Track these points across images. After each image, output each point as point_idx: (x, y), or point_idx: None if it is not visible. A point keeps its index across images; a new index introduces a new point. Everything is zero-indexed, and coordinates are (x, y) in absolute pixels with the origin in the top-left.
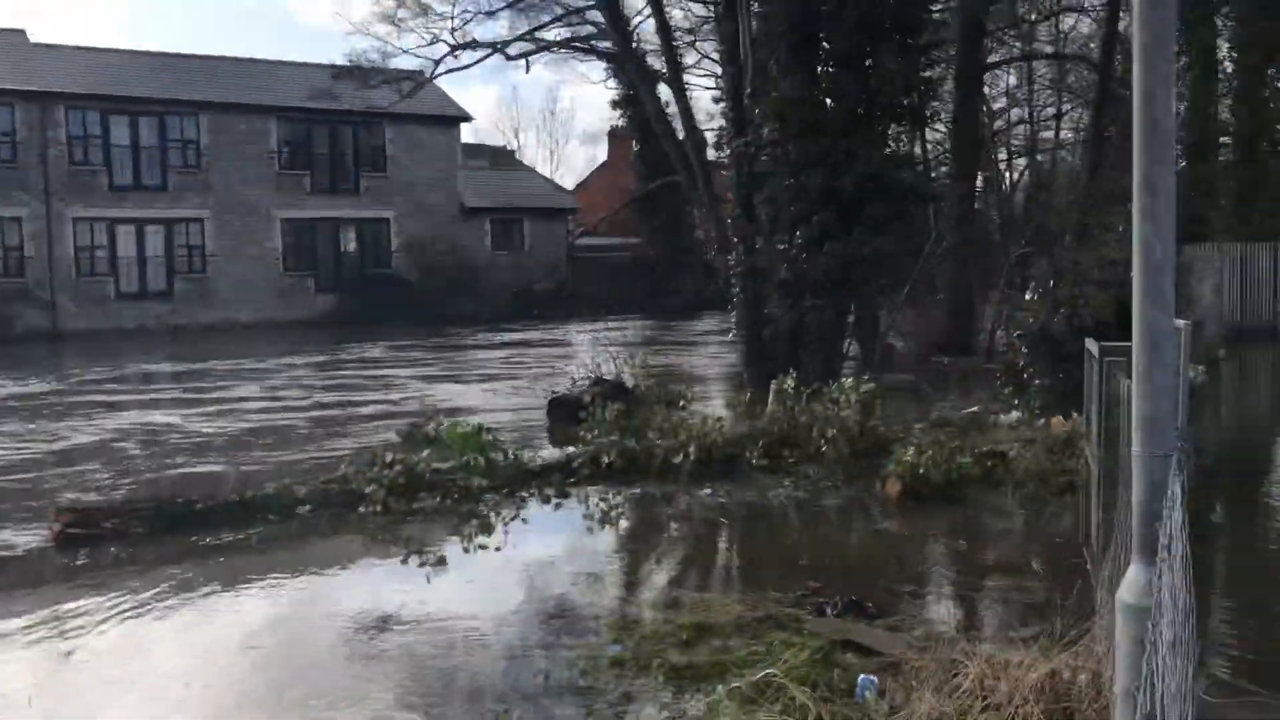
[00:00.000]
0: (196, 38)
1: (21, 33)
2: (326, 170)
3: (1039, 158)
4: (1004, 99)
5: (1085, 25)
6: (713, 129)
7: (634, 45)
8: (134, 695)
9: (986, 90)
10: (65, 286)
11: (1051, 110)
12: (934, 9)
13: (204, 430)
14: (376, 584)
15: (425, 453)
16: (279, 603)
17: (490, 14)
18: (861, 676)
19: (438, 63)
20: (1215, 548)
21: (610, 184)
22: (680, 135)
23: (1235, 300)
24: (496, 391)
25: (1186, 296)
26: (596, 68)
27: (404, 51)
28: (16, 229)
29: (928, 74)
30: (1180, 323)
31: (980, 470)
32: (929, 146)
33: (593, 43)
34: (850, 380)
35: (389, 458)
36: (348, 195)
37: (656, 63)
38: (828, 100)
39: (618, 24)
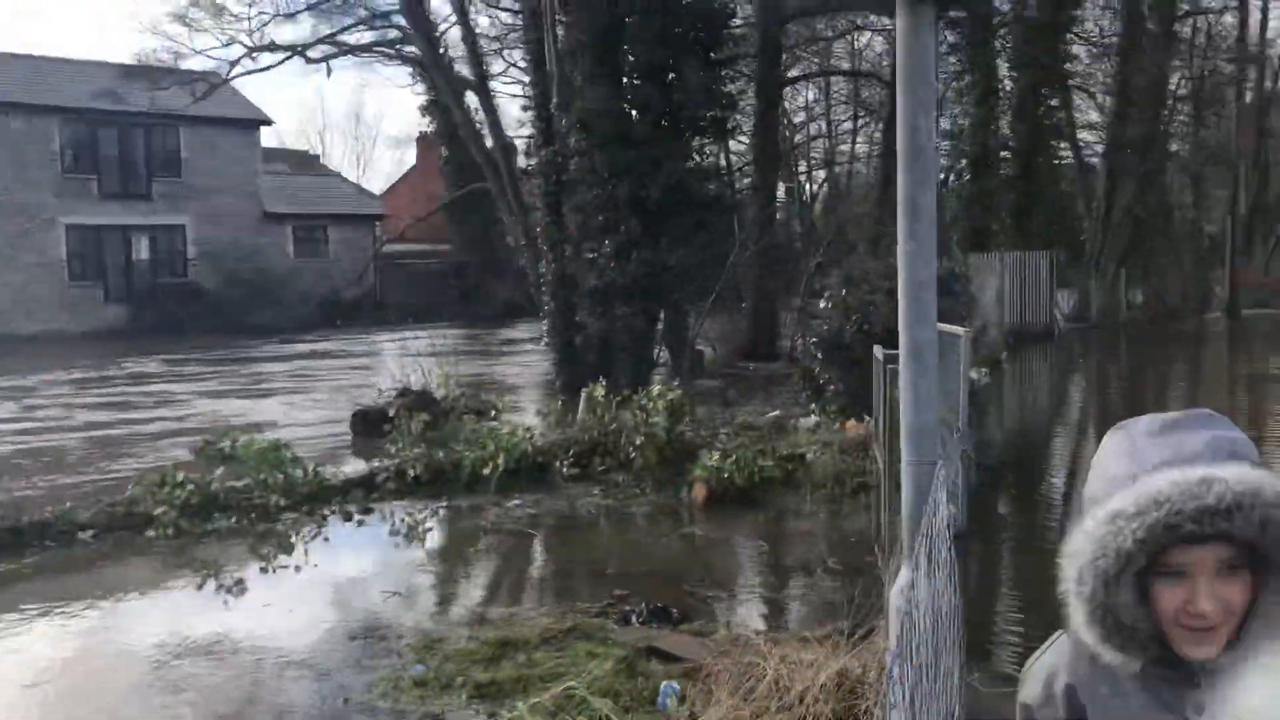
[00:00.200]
0: None
1: None
2: (116, 174)
3: (837, 169)
4: (803, 113)
5: (879, 44)
6: (523, 136)
7: (441, 51)
8: None
9: (787, 104)
10: None
11: (848, 124)
12: (733, 25)
13: None
14: (171, 610)
15: (219, 471)
16: (65, 635)
17: (290, 16)
18: (664, 684)
19: (234, 64)
20: (1000, 543)
21: (419, 190)
22: (489, 142)
23: (1016, 305)
24: (297, 405)
25: (969, 304)
26: (403, 72)
27: (197, 52)
28: None
29: (729, 88)
30: (960, 331)
31: (781, 473)
32: (733, 158)
33: (399, 48)
34: (659, 387)
35: (180, 477)
36: (140, 201)
37: (466, 69)
38: (633, 111)
39: (422, 30)
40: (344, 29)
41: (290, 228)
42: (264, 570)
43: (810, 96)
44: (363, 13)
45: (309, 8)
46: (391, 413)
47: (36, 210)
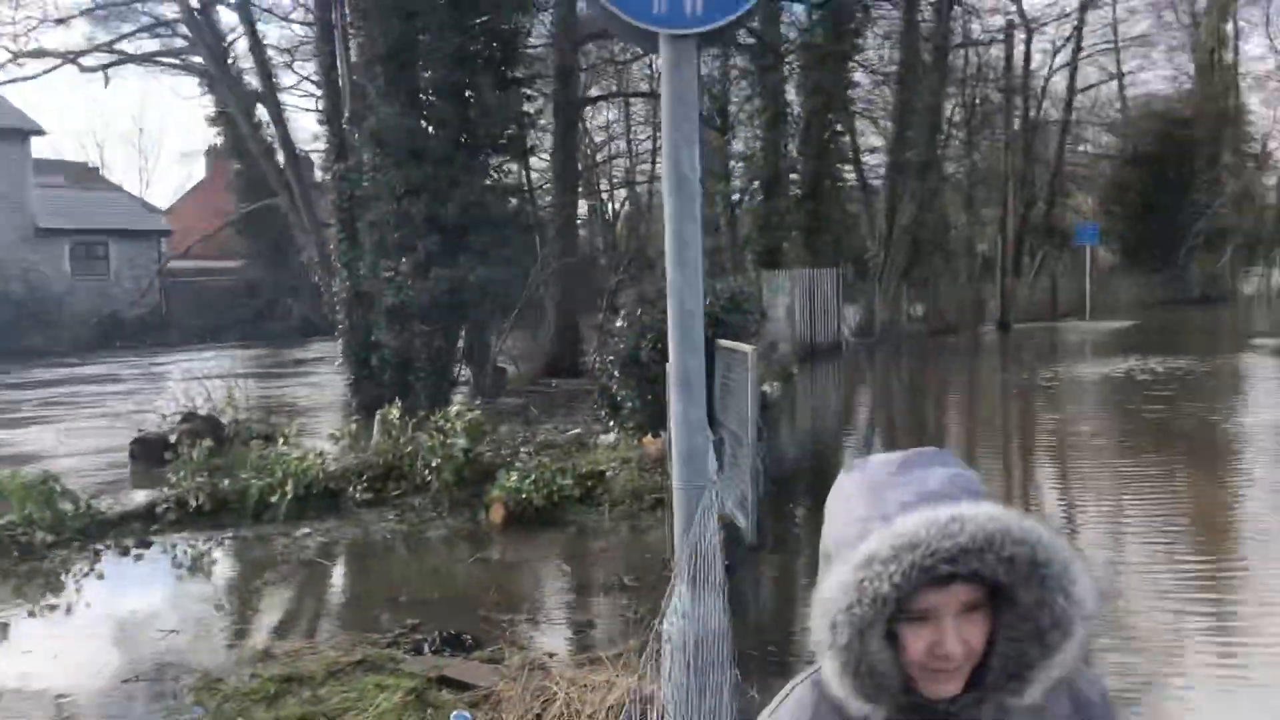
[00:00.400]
0: None
1: None
2: None
3: (638, 189)
4: (604, 132)
5: None
6: (319, 150)
7: (229, 62)
8: None
9: (588, 123)
10: None
11: (649, 144)
12: (530, 45)
13: None
14: None
15: None
16: None
17: (61, 21)
18: (454, 713)
19: None
20: (790, 553)
21: (209, 204)
22: (280, 156)
23: (806, 321)
24: (70, 432)
25: (760, 320)
26: (189, 82)
27: None
28: None
29: (528, 107)
30: (748, 348)
31: (580, 490)
32: (534, 175)
33: (184, 57)
34: (458, 407)
35: None
36: None
37: (256, 80)
38: (429, 128)
39: (207, 40)
40: (122, 36)
41: (67, 244)
42: (31, 614)
43: (610, 116)
44: (144, 20)
45: (83, 13)
46: (173, 439)
47: None
